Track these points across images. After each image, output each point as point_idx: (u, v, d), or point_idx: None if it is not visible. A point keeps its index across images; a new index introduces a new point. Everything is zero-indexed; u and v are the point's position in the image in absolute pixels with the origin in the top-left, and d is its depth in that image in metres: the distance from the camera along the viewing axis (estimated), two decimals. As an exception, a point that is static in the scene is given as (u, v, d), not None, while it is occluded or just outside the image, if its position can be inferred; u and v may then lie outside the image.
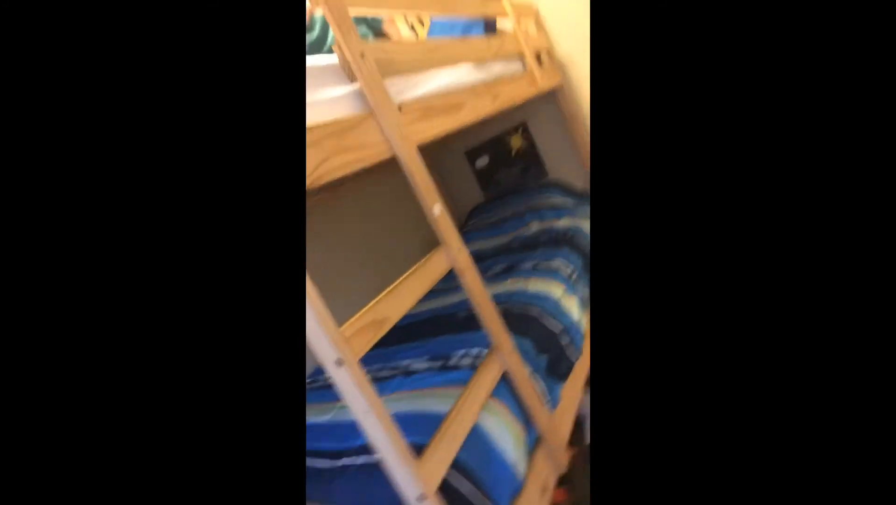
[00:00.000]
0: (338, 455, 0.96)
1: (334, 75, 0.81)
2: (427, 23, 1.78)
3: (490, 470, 0.84)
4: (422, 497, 0.67)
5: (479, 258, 1.75)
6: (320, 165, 0.68)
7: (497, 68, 1.45)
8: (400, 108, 0.88)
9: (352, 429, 1.02)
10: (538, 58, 1.75)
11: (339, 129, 0.74)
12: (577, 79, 2.05)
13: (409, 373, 1.12)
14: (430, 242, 0.97)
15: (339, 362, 0.62)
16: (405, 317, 1.55)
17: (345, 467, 0.92)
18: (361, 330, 0.67)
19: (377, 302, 0.72)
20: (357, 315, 0.67)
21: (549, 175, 2.28)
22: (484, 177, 2.51)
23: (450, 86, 1.13)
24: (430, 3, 1.18)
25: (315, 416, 1.15)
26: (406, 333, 1.38)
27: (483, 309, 0.93)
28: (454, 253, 0.90)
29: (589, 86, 2.03)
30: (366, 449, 0.92)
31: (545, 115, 2.16)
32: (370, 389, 0.64)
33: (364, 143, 0.78)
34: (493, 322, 0.95)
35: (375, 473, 0.86)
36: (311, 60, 0.80)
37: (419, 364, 1.15)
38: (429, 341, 1.26)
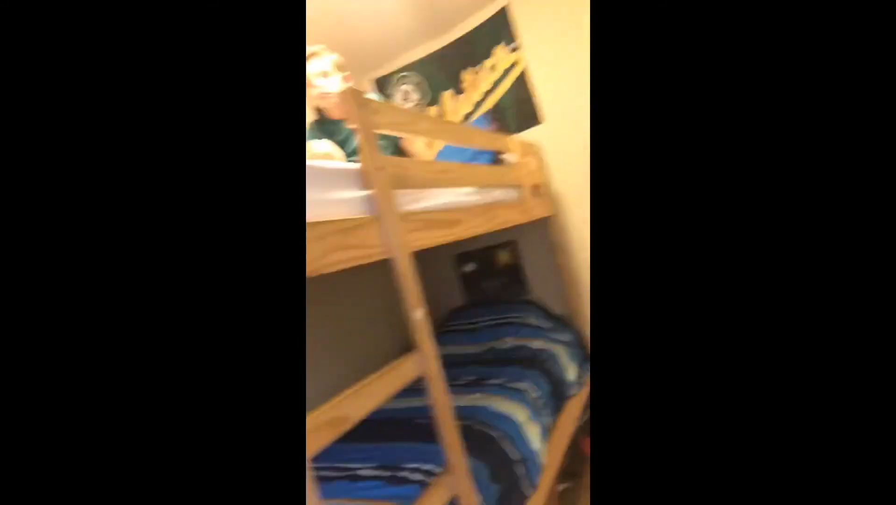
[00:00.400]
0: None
1: (352, 179, 0.90)
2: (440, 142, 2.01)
3: None
4: None
5: (450, 364, 1.74)
6: (323, 257, 0.73)
7: (497, 193, 1.61)
8: (403, 218, 0.97)
9: None
10: (535, 189, 1.94)
11: (345, 227, 0.81)
12: (568, 211, 2.25)
13: (355, 478, 1.05)
14: (402, 344, 0.94)
15: (289, 459, 0.60)
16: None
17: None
18: (321, 427, 0.66)
19: (341, 399, 0.72)
20: (318, 410, 0.67)
21: (531, 294, 2.37)
22: (468, 282, 2.60)
23: (451, 203, 1.25)
24: (449, 134, 1.36)
25: None
26: (358, 432, 1.31)
27: (444, 424, 0.92)
28: (426, 360, 0.92)
29: (577, 219, 2.22)
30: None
31: (534, 239, 2.32)
32: (314, 496, 0.61)
33: (365, 244, 0.85)
34: (452, 441, 0.93)
35: None
36: (334, 165, 0.89)
37: (367, 470, 1.08)
38: (381, 446, 1.20)
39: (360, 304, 2.13)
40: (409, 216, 1.00)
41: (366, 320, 2.13)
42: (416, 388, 1.60)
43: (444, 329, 2.27)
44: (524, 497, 1.14)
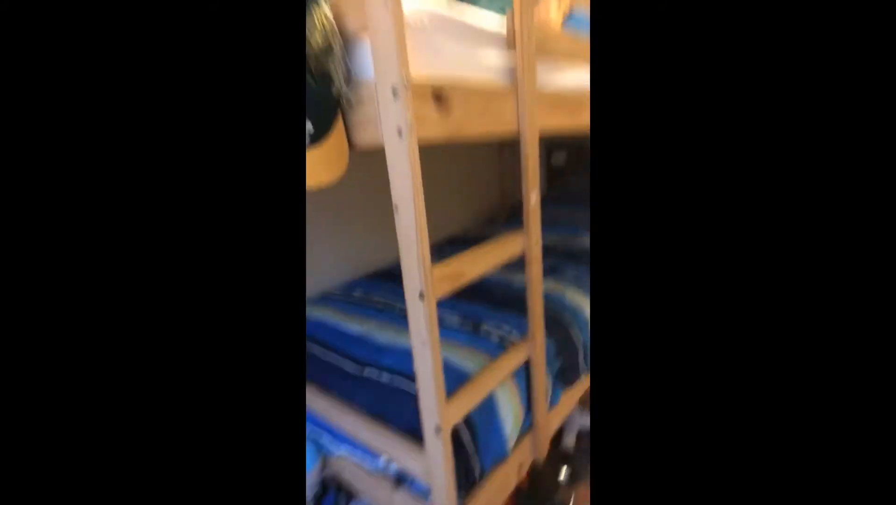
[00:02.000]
0: (363, 364, 1.08)
1: (494, 40, 0.85)
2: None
3: (489, 434, 0.93)
4: (438, 429, 0.77)
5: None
6: (463, 126, 0.74)
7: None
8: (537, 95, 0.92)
9: (380, 348, 1.14)
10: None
11: (486, 93, 0.79)
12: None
13: (440, 322, 1.22)
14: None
15: (422, 296, 0.70)
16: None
17: (367, 379, 1.03)
18: (446, 276, 0.75)
19: (461, 259, 0.79)
20: (444, 262, 0.75)
21: (617, 198, 2.29)
22: (555, 174, 2.53)
23: (577, 86, 1.16)
24: None
25: (349, 323, 1.27)
26: None
27: (534, 300, 1.00)
28: (532, 243, 0.96)
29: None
30: (390, 369, 1.03)
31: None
32: (436, 327, 0.72)
33: (502, 117, 0.83)
34: (537, 314, 1.02)
35: (393, 393, 0.97)
36: (479, 20, 0.83)
37: (451, 319, 1.24)
38: (461, 303, 1.34)
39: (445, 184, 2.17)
40: (541, 94, 0.95)
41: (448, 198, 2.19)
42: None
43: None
44: (577, 377, 1.28)
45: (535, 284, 0.99)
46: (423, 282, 0.69)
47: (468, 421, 0.89)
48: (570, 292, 1.44)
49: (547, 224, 2.15)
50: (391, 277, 1.65)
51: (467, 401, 0.85)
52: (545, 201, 2.40)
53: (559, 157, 2.51)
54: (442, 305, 1.33)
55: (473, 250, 0.83)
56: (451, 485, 0.81)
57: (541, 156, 2.51)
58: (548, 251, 1.87)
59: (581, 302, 1.41)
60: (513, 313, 1.24)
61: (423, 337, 0.72)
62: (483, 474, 0.92)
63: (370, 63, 0.65)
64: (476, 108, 0.77)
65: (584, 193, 2.38)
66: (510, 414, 0.99)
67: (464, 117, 0.74)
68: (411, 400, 0.91)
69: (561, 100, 1.06)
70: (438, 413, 0.76)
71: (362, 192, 1.73)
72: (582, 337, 1.31)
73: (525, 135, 0.89)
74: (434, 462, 0.80)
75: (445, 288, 0.75)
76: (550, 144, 2.49)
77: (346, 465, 1.05)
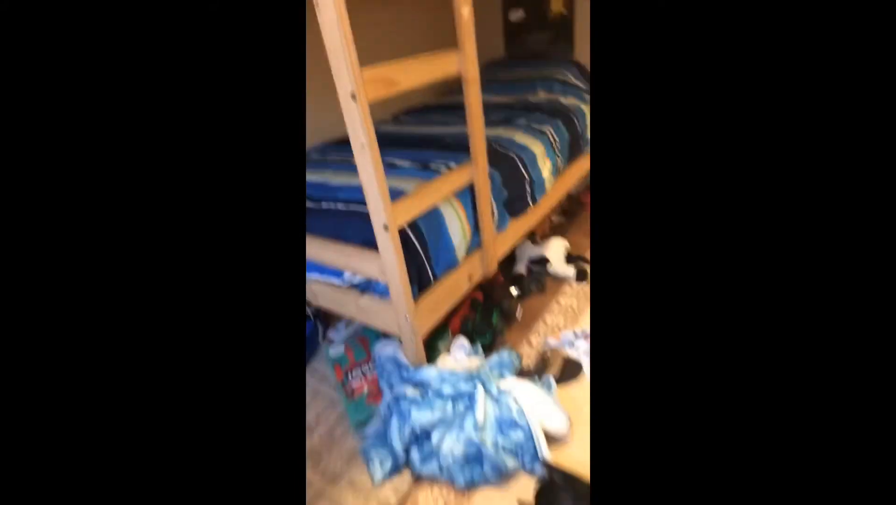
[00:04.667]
0: (319, 200, 1.16)
1: None
2: None
3: (438, 243, 1.06)
4: (386, 227, 0.88)
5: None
6: None
7: None
8: None
9: (335, 188, 1.22)
10: None
11: None
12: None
13: (392, 166, 1.29)
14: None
15: (353, 97, 0.75)
16: (393, 133, 1.66)
17: (325, 210, 1.12)
18: (377, 79, 0.79)
19: (392, 65, 0.83)
20: (373, 66, 0.78)
21: (574, 54, 2.25)
22: (513, 33, 2.43)
23: None
24: None
25: (308, 176, 1.34)
26: (395, 142, 1.53)
27: (475, 124, 1.06)
28: (467, 62, 0.99)
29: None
30: (345, 200, 1.12)
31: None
32: (371, 126, 0.79)
33: None
34: (478, 140, 1.09)
35: (349, 216, 1.07)
36: None
37: (402, 162, 1.31)
38: (414, 151, 1.40)
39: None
40: None
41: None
42: (449, 120, 1.73)
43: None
44: (526, 207, 1.41)
45: (475, 107, 1.05)
46: (354, 82, 0.74)
47: (417, 229, 1.01)
48: (520, 136, 1.50)
49: (505, 85, 2.15)
50: (345, 142, 1.68)
51: (410, 206, 0.95)
52: (503, 64, 2.34)
53: (517, 14, 2.38)
54: (393, 153, 1.39)
55: (405, 60, 0.86)
56: (404, 277, 0.94)
57: (497, 14, 2.39)
58: (503, 107, 1.89)
59: (529, 143, 1.48)
60: (461, 153, 1.31)
61: (360, 139, 0.79)
62: (436, 277, 1.07)
63: None
64: None
65: (542, 52, 2.32)
66: (457, 228, 1.12)
67: None
68: (365, 218, 1.01)
69: None
70: (384, 211, 0.86)
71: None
72: (529, 172, 1.41)
73: (451, -63, 0.87)
74: (387, 258, 0.92)
75: (378, 91, 0.80)
76: (507, 0, 2.35)
77: (318, 288, 1.19)
